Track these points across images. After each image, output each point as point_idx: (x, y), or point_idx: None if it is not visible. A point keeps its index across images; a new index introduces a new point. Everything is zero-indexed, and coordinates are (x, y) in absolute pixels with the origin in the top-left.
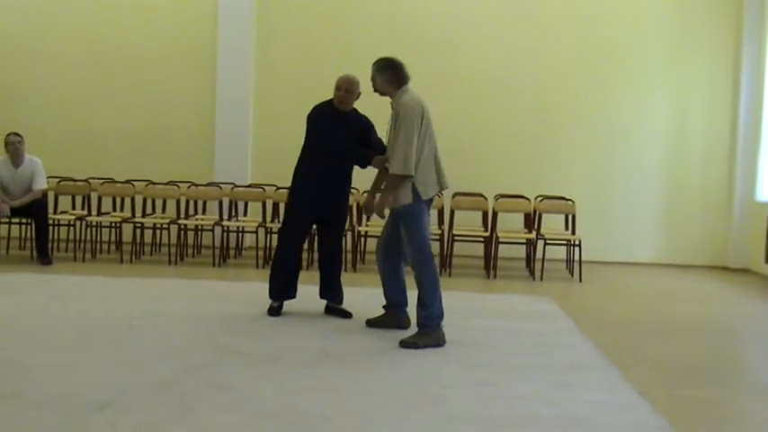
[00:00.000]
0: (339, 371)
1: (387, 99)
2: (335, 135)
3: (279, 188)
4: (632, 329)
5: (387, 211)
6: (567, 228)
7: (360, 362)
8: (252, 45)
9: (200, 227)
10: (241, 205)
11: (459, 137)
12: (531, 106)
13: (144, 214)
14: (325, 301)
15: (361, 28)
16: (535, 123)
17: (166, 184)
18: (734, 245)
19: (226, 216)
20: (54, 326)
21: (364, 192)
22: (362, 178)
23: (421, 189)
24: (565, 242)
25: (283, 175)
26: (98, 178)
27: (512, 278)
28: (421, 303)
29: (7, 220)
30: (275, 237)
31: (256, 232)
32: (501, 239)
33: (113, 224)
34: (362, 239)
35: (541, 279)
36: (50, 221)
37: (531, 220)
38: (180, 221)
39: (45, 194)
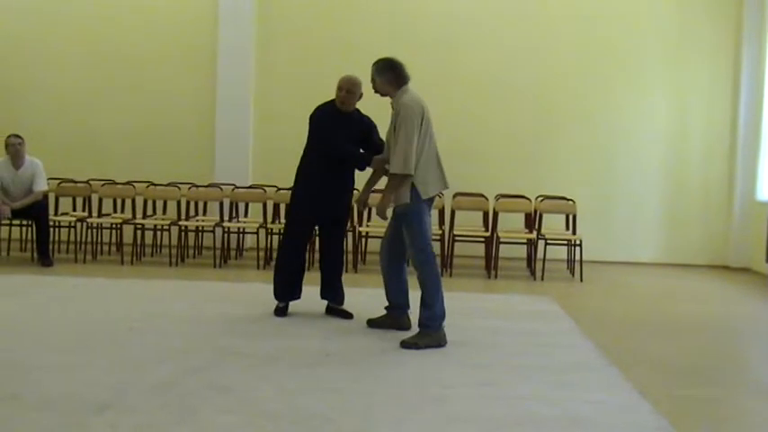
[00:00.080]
0: (340, 371)
1: (388, 99)
2: (337, 136)
3: (279, 189)
4: (633, 329)
5: (389, 212)
6: (567, 228)
7: (361, 362)
8: (252, 45)
9: (200, 228)
10: (242, 206)
11: (459, 137)
12: (531, 106)
13: (145, 215)
14: (326, 302)
15: (362, 28)
16: (535, 123)
17: (167, 185)
18: (734, 244)
19: (226, 217)
20: (55, 327)
21: None
22: (364, 179)
23: (421, 188)
24: (565, 242)
25: (284, 176)
26: (98, 180)
27: (512, 278)
28: (424, 303)
29: (8, 221)
30: (276, 238)
31: (257, 233)
32: (502, 239)
33: (114, 225)
34: (363, 240)
35: (542, 279)
36: (51, 223)
37: (532, 221)
38: (181, 223)
39: (45, 196)
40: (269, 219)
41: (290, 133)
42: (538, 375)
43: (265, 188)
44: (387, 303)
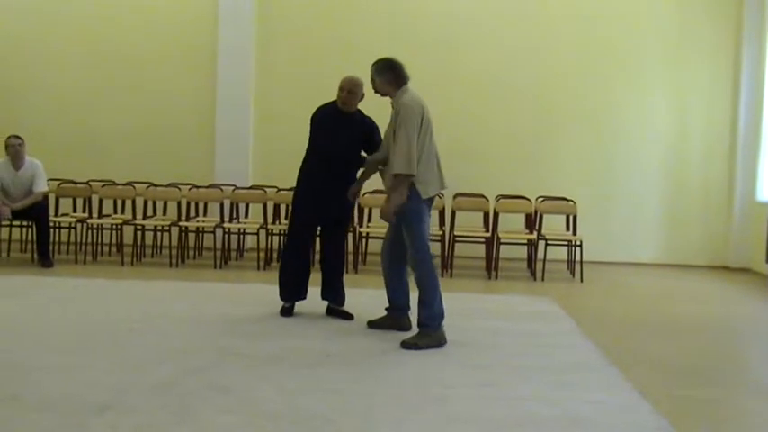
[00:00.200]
0: (340, 372)
1: (388, 99)
2: (337, 137)
3: (280, 190)
4: (633, 329)
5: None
6: (567, 228)
7: (361, 363)
8: (252, 45)
9: (201, 229)
10: (242, 207)
11: (459, 137)
12: (531, 107)
13: (145, 216)
14: (326, 303)
15: (362, 28)
16: (535, 124)
17: (167, 186)
18: (734, 245)
19: (227, 218)
20: (55, 328)
21: (365, 193)
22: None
23: (421, 188)
24: (566, 243)
25: (284, 177)
26: (99, 180)
27: (513, 279)
28: (422, 303)
29: (8, 222)
30: (276, 238)
31: (257, 234)
32: (502, 240)
33: (114, 226)
34: (364, 241)
35: (542, 280)
36: (51, 224)
37: (532, 221)
38: (181, 223)
39: (46, 197)
40: (269, 219)
41: (291, 134)
42: (538, 376)
43: (266, 189)
44: (387, 304)
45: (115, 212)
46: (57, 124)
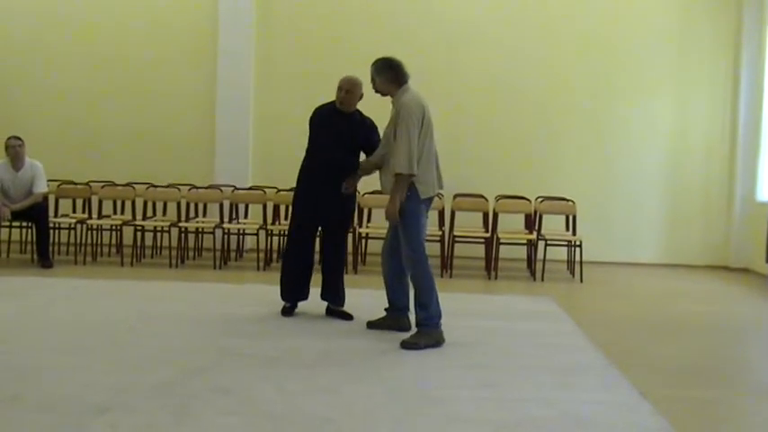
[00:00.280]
0: (340, 372)
1: (388, 99)
2: (337, 138)
3: (279, 190)
4: (633, 330)
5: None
6: (567, 228)
7: (361, 363)
8: (252, 46)
9: (200, 229)
10: (242, 207)
11: (458, 137)
12: (530, 107)
13: (144, 217)
14: (326, 303)
15: (362, 30)
16: (535, 124)
17: (167, 186)
18: (734, 245)
19: (226, 218)
20: (55, 329)
21: (365, 194)
22: (365, 179)
23: (421, 189)
24: (566, 243)
25: (284, 177)
26: (98, 181)
27: (513, 279)
28: (419, 303)
29: (8, 223)
30: (276, 239)
31: (257, 234)
32: (502, 240)
33: (114, 227)
34: (363, 241)
35: (542, 280)
36: (51, 225)
37: (532, 221)
38: (180, 224)
39: (45, 198)
40: (269, 220)
41: (290, 134)
42: (538, 376)
43: (265, 189)
44: (387, 305)
45: (115, 213)
46: (57, 125)
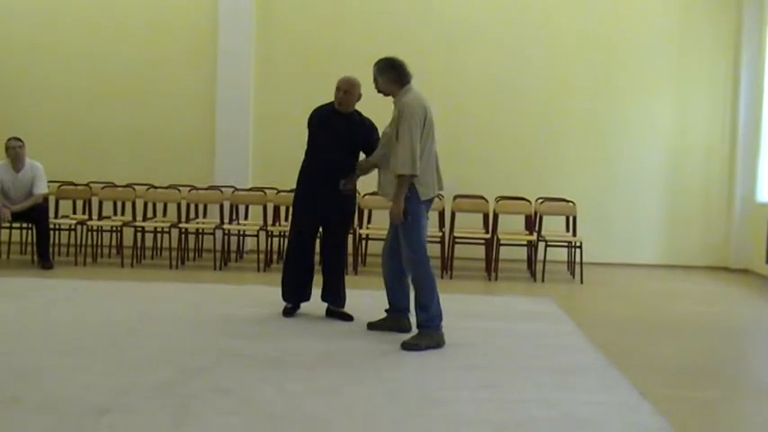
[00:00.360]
0: (340, 373)
1: (389, 100)
2: (336, 138)
3: (280, 191)
4: (633, 330)
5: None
6: (567, 229)
7: (361, 364)
8: (252, 47)
9: (201, 230)
10: (242, 208)
11: (458, 138)
12: (530, 107)
13: (145, 218)
14: (326, 304)
15: (362, 30)
16: (535, 124)
17: (167, 187)
18: (734, 246)
19: (227, 219)
20: (55, 330)
21: (366, 195)
22: (365, 180)
23: (421, 190)
24: (566, 244)
25: (284, 178)
26: (99, 182)
27: (513, 280)
28: (420, 305)
29: (8, 224)
30: (276, 240)
31: (257, 235)
32: (502, 241)
33: (114, 228)
34: (364, 242)
35: (542, 281)
36: (51, 226)
37: (532, 222)
38: (181, 225)
39: (46, 199)
40: (269, 221)
41: (290, 135)
42: (538, 377)
43: (265, 190)
44: (387, 306)
45: (115, 214)
46: (57, 125)
